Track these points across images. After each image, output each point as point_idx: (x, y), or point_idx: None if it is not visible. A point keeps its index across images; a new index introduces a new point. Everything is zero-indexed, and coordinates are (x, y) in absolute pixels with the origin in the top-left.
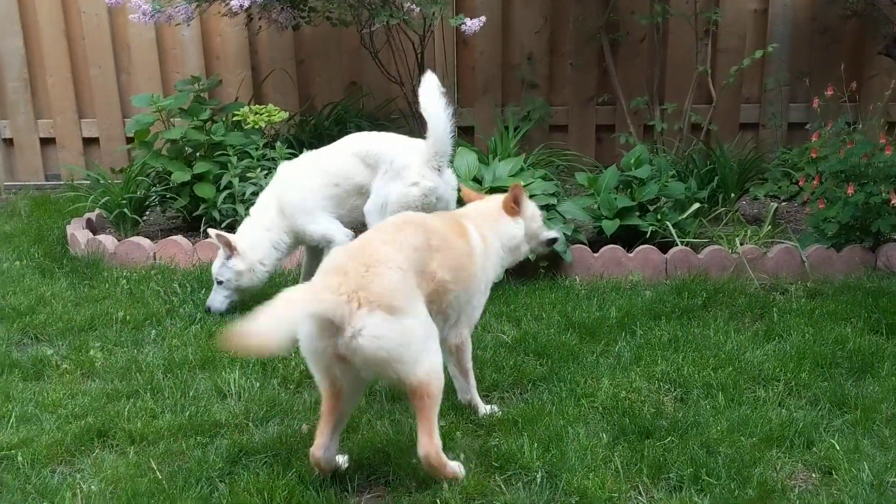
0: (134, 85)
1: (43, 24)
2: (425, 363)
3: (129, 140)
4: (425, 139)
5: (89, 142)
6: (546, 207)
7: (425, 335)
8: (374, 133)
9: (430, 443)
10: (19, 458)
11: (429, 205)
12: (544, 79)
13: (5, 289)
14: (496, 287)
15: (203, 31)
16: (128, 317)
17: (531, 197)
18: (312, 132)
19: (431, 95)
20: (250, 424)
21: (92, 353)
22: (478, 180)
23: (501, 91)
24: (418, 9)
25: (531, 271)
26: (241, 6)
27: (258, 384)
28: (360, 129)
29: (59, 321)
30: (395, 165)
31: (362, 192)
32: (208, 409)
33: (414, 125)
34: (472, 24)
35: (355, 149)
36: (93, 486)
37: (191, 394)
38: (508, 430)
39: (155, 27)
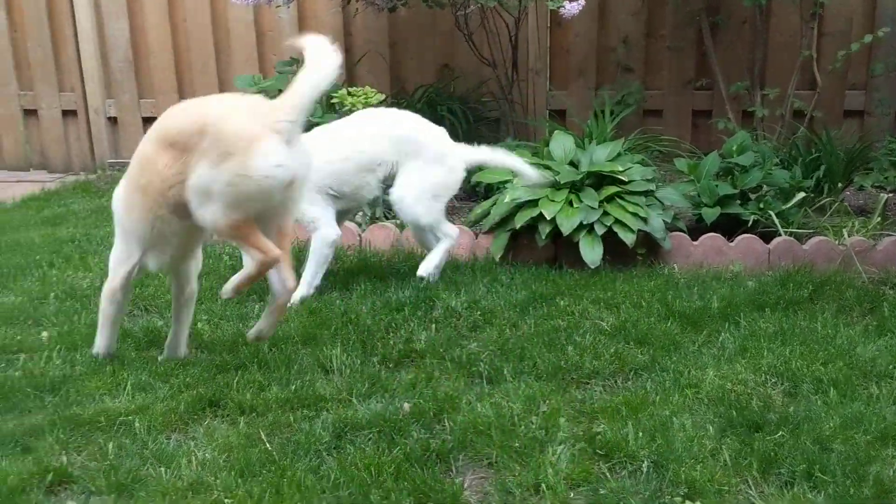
0: (232, 66)
1: (147, 6)
2: None
3: None
4: None
5: None
6: (644, 193)
7: None
8: (403, 114)
9: None
10: (136, 424)
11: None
12: (640, 62)
13: None
14: (592, 273)
15: (299, 15)
16: None
17: (629, 182)
18: None
19: None
20: (353, 400)
21: (199, 325)
22: (574, 164)
23: (596, 74)
24: None
25: (628, 258)
26: None
27: (359, 361)
28: (451, 111)
29: (167, 294)
30: (436, 152)
31: (372, 169)
32: (312, 384)
33: (506, 108)
34: (571, 7)
35: (390, 132)
36: (206, 454)
37: (295, 368)
38: (612, 417)
39: (253, 10)
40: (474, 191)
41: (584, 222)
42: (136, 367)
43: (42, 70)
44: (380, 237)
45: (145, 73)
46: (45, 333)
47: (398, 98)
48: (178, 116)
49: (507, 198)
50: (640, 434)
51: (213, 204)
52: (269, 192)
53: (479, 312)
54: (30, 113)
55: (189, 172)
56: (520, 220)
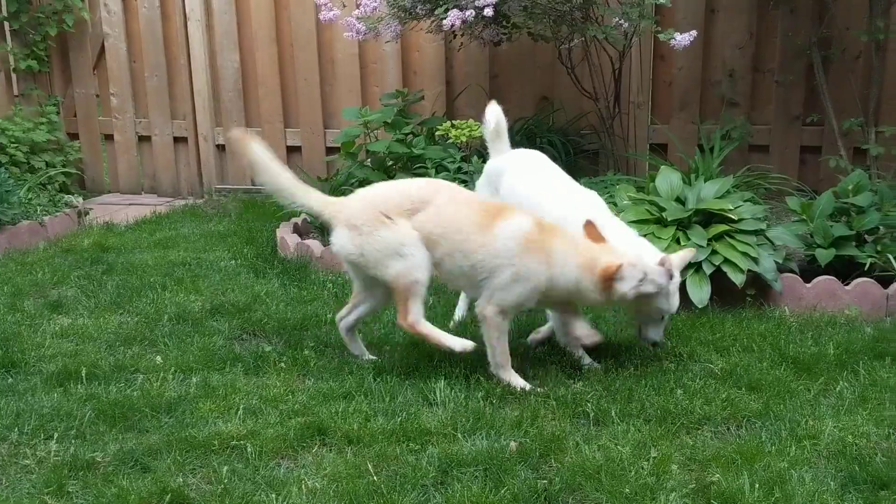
0: (336, 97)
1: (257, 39)
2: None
3: (329, 150)
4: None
5: (292, 150)
6: (755, 233)
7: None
8: None
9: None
10: (248, 449)
11: None
12: (745, 96)
13: (224, 285)
14: (700, 313)
15: (402, 46)
16: (335, 319)
17: (739, 221)
18: None
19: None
20: (459, 435)
21: (306, 352)
22: (681, 200)
23: (699, 108)
24: (626, 24)
25: (737, 300)
26: (452, 25)
27: (463, 395)
28: (551, 143)
29: (274, 319)
30: None
31: None
32: (417, 416)
33: (606, 140)
34: (681, 39)
35: None
36: (316, 483)
37: (399, 399)
38: (726, 466)
39: (358, 43)
40: None
41: (692, 261)
42: (247, 391)
43: (157, 98)
44: None
45: (253, 102)
46: (158, 357)
47: None
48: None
49: None
50: (757, 486)
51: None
52: None
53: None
54: (143, 139)
55: None
56: None
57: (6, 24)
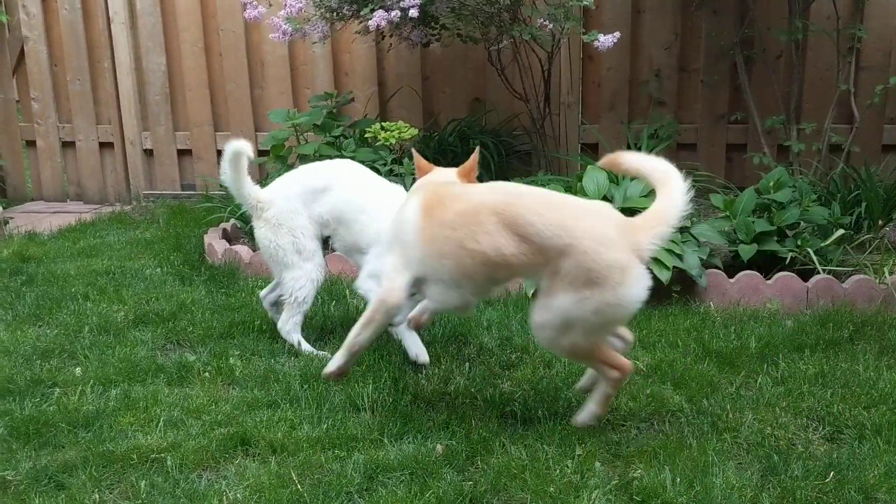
0: (266, 99)
1: (184, 41)
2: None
3: (261, 153)
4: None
5: (221, 154)
6: (679, 230)
7: None
8: None
9: None
10: (168, 462)
11: None
12: (672, 96)
13: (149, 294)
14: None
15: (333, 48)
16: (263, 326)
17: None
18: (437, 148)
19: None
20: (385, 440)
21: (231, 360)
22: (608, 199)
23: (628, 108)
24: (551, 25)
25: (663, 296)
26: (378, 25)
27: (391, 398)
28: (483, 145)
29: (199, 328)
30: None
31: None
32: (344, 423)
33: (538, 141)
34: (605, 41)
35: None
36: (238, 494)
37: (325, 406)
38: (649, 462)
39: (288, 44)
40: None
41: None
42: (169, 402)
43: (80, 103)
44: None
45: (181, 105)
46: (77, 370)
47: (430, 131)
48: (533, 209)
49: None
50: (678, 480)
51: (573, 331)
52: (632, 314)
53: (511, 350)
54: (67, 145)
55: (543, 285)
56: None
57: None
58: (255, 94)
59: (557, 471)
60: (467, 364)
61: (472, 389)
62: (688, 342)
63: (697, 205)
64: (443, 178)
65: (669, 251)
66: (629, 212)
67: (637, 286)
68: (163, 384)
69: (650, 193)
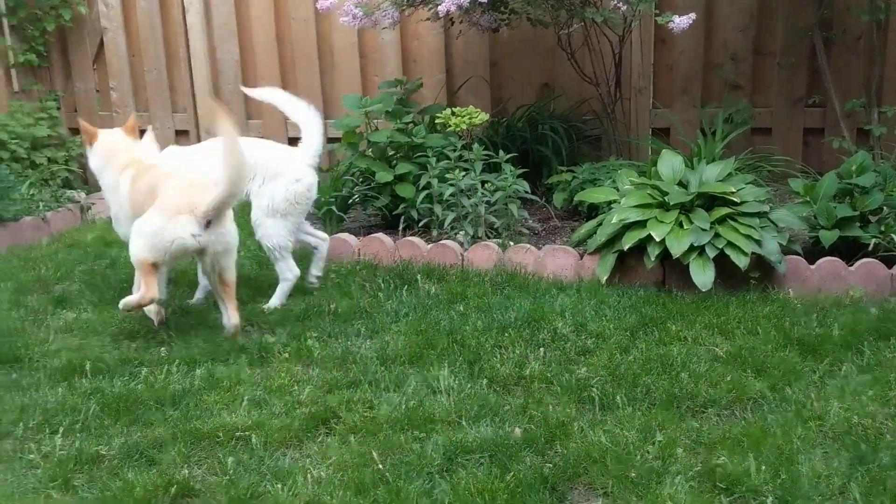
0: (335, 87)
1: (256, 30)
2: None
3: (331, 140)
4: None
5: (293, 141)
6: (758, 215)
7: None
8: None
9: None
10: (253, 440)
11: (312, 199)
12: (747, 79)
13: None
14: (704, 296)
15: (402, 35)
16: (339, 309)
17: (741, 203)
18: (505, 134)
19: (300, 105)
20: (463, 422)
21: (309, 342)
22: (683, 184)
23: (701, 91)
24: (624, 6)
25: (741, 282)
26: (447, 10)
27: (467, 383)
28: (553, 130)
29: (277, 311)
30: (272, 169)
31: None
32: (422, 405)
33: (609, 126)
34: (680, 22)
35: None
36: (321, 472)
37: (403, 387)
38: (732, 449)
39: (357, 32)
40: (576, 210)
41: (695, 244)
42: (252, 382)
43: (157, 92)
44: (482, 257)
45: None
46: (162, 349)
47: (498, 117)
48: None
49: (615, 218)
50: (763, 468)
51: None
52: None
53: (587, 336)
54: (144, 133)
55: None
56: (627, 242)
57: (4, 20)
58: (324, 81)
59: (638, 456)
60: (542, 349)
61: (548, 374)
62: (768, 329)
63: (775, 190)
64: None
65: (748, 237)
66: (706, 197)
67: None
68: (245, 364)
69: (727, 178)
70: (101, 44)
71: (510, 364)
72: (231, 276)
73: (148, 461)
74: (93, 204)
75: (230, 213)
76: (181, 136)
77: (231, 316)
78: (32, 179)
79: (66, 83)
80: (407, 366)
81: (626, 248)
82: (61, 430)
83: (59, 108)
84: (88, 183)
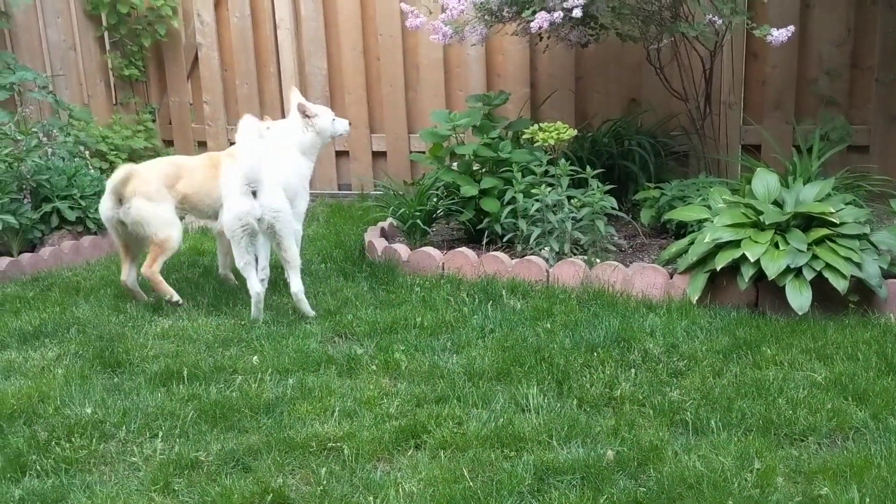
0: (420, 102)
1: (344, 46)
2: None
3: (413, 154)
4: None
5: (377, 155)
6: (857, 237)
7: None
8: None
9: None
10: (345, 451)
11: (248, 226)
12: (844, 94)
13: (316, 288)
14: (800, 319)
15: (486, 50)
16: (424, 322)
17: (840, 224)
18: (590, 149)
19: (243, 131)
20: (554, 442)
21: (397, 355)
22: (778, 204)
23: (795, 107)
24: (719, 20)
25: (839, 305)
26: (540, 27)
27: (556, 402)
28: (640, 145)
29: (364, 322)
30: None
31: None
32: (511, 422)
33: (696, 142)
34: (779, 35)
35: None
36: (412, 487)
37: (491, 404)
38: (834, 479)
39: (442, 48)
40: (664, 227)
41: (792, 266)
42: (342, 393)
43: (247, 105)
44: (568, 273)
45: (339, 108)
46: (255, 358)
47: (584, 132)
48: None
49: (708, 237)
50: (868, 499)
51: None
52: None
53: (678, 357)
54: (234, 145)
55: None
56: (720, 261)
57: (105, 35)
58: (409, 96)
59: (736, 483)
60: (632, 370)
61: (640, 396)
62: (868, 355)
63: (875, 211)
64: None
65: (847, 259)
66: (803, 217)
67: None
68: (334, 375)
69: (825, 198)
70: (196, 59)
71: (600, 384)
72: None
73: (244, 468)
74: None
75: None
76: None
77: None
78: None
79: (162, 96)
80: (494, 382)
81: (718, 268)
82: (161, 434)
83: (154, 121)
84: None
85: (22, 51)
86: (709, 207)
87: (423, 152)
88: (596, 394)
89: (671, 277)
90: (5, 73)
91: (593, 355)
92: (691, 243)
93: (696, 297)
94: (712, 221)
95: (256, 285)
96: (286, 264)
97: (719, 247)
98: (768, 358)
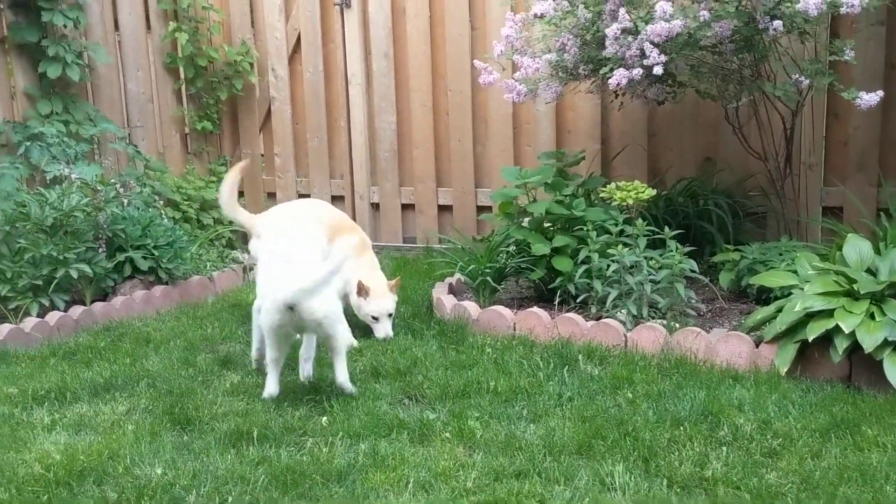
0: (487, 157)
1: (413, 101)
2: None
3: (479, 209)
4: None
5: (443, 209)
6: None
7: None
8: None
9: None
10: None
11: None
12: None
13: (384, 346)
14: None
15: (556, 106)
16: (498, 388)
17: None
18: (664, 208)
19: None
20: None
21: (471, 422)
22: (871, 272)
23: (879, 169)
24: (806, 80)
25: None
26: (618, 84)
27: (644, 481)
28: (717, 205)
29: (435, 385)
30: None
31: None
32: (597, 502)
33: (776, 203)
34: (869, 99)
35: None
36: None
37: (574, 481)
38: None
39: (512, 103)
40: (743, 292)
41: (889, 338)
42: (415, 463)
43: (317, 158)
44: (647, 339)
45: (407, 162)
46: (324, 419)
47: (658, 190)
48: None
49: (798, 306)
50: None
51: None
52: None
53: (772, 435)
54: (303, 197)
55: None
56: (812, 332)
57: (182, 89)
58: (476, 150)
59: None
60: (724, 448)
61: (734, 477)
62: None
63: None
64: None
65: None
66: None
67: None
68: (406, 441)
69: None
70: (268, 112)
71: (689, 463)
72: None
73: None
74: (254, 265)
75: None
76: (337, 201)
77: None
78: (202, 240)
79: (234, 148)
80: (575, 457)
81: (810, 338)
82: (231, 499)
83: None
84: (247, 243)
85: (102, 102)
86: (796, 273)
87: (489, 207)
88: (686, 473)
89: (757, 346)
90: (87, 126)
91: (680, 430)
92: (779, 310)
93: (785, 369)
94: (801, 288)
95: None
96: (331, 353)
97: (810, 316)
98: (870, 439)
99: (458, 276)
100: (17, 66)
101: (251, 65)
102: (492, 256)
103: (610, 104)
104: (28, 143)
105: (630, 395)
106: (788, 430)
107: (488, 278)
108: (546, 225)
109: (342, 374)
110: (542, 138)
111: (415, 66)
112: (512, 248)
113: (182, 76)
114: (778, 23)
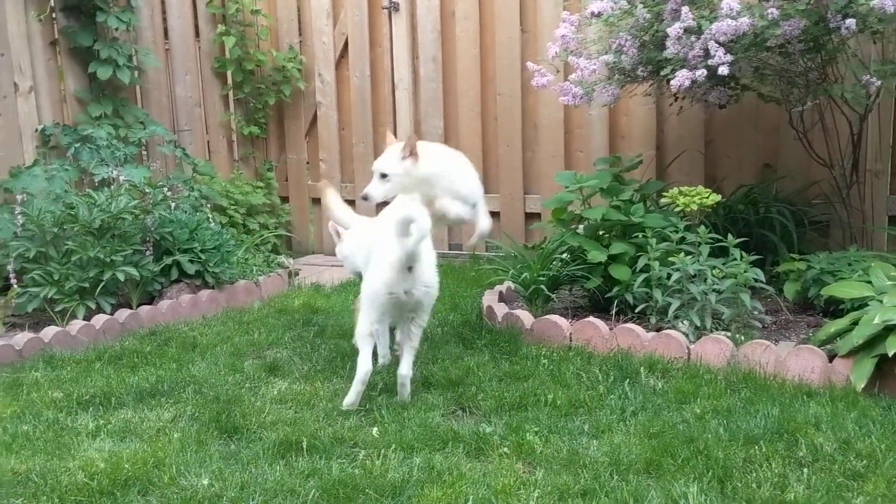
0: (537, 162)
1: (462, 105)
2: None
3: (527, 216)
4: None
5: (490, 214)
6: None
7: None
8: None
9: None
10: None
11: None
12: None
13: (434, 354)
14: None
15: (610, 110)
16: (557, 401)
17: None
18: (725, 215)
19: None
20: None
21: (529, 437)
22: None
23: None
24: (879, 82)
25: None
26: (681, 85)
27: (720, 502)
28: (779, 212)
29: (490, 396)
30: None
31: None
32: None
33: (841, 211)
34: None
35: None
36: None
37: (644, 501)
38: None
39: (564, 107)
40: (810, 303)
41: None
42: (473, 479)
43: (362, 164)
44: (712, 351)
45: None
46: (375, 430)
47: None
48: None
49: (877, 318)
50: None
51: None
52: None
53: (855, 456)
54: (349, 203)
55: None
56: (892, 346)
57: (230, 94)
58: (526, 156)
59: None
60: (804, 469)
61: (817, 502)
62: None
63: None
64: None
65: None
66: None
67: None
68: (462, 455)
69: None
70: (315, 117)
71: (769, 485)
72: None
73: None
74: (299, 269)
75: None
76: (380, 206)
77: None
78: (248, 244)
79: (280, 153)
80: (644, 475)
81: (890, 353)
82: None
83: (273, 177)
84: (292, 248)
85: (151, 106)
86: (870, 284)
87: (538, 214)
88: (765, 496)
89: (830, 361)
90: (136, 129)
91: (755, 449)
92: (854, 323)
93: (862, 385)
94: (878, 300)
95: (368, 364)
96: (408, 342)
97: (889, 329)
98: None
99: (508, 283)
100: (67, 70)
101: (299, 70)
102: (545, 264)
103: (668, 108)
104: (77, 146)
105: (697, 411)
106: (872, 451)
107: (542, 286)
108: (601, 232)
109: (410, 367)
110: (595, 144)
111: (463, 70)
112: (566, 256)
113: (230, 81)
114: (851, 21)
